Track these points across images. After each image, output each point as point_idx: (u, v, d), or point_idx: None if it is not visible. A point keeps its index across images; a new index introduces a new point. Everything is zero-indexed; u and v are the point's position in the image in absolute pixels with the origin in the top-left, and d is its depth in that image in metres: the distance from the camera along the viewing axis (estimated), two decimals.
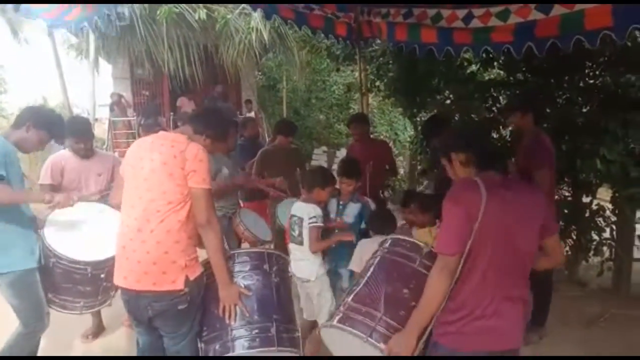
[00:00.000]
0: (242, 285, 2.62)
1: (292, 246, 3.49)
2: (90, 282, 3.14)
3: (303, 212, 3.40)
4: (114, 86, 13.70)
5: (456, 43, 4.28)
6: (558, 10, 3.39)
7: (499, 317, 2.04)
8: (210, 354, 2.54)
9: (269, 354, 2.53)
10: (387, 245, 2.61)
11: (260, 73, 16.09)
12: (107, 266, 3.10)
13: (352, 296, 2.43)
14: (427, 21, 4.38)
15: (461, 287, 2.06)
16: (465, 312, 2.05)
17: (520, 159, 3.93)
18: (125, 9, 2.97)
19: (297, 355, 2.65)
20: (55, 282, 3.13)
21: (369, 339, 2.19)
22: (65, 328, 3.72)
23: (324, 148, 13.11)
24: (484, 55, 4.85)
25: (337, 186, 3.65)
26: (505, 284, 2.06)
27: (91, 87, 5.88)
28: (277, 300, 2.68)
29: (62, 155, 3.86)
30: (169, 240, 2.42)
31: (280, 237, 5.02)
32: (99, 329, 4.16)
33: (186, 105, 13.41)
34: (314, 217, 3.35)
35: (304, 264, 3.39)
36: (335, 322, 2.33)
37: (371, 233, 3.43)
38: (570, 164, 4.56)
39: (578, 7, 3.25)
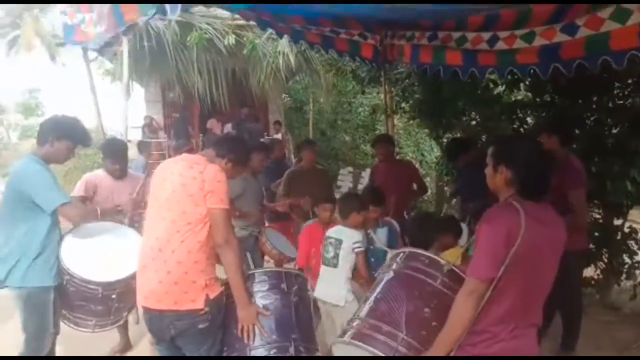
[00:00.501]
0: (261, 305, 2.66)
1: (323, 268, 3.47)
2: (102, 302, 3.20)
3: (343, 235, 3.39)
4: (146, 109, 14.11)
5: (481, 64, 4.30)
6: (583, 32, 3.39)
7: (518, 339, 2.03)
8: None
9: None
10: (401, 258, 2.51)
11: (287, 95, 16.32)
12: (118, 287, 3.19)
13: (367, 312, 2.38)
14: (452, 44, 4.42)
15: (488, 310, 2.02)
16: (489, 335, 2.03)
17: (552, 182, 3.90)
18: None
19: None
20: (68, 299, 3.20)
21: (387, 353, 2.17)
22: (92, 345, 3.79)
23: (350, 169, 13.13)
24: (509, 77, 4.85)
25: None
26: (530, 311, 2.06)
27: (124, 110, 6.10)
28: (296, 320, 2.71)
29: (97, 174, 4.02)
30: (189, 260, 2.47)
31: None
32: (126, 347, 4.22)
33: (215, 127, 13.71)
34: (359, 242, 3.36)
35: (334, 288, 3.36)
36: (353, 340, 2.28)
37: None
38: (600, 185, 4.49)
39: (604, 28, 3.25)
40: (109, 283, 3.15)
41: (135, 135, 13.45)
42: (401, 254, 2.54)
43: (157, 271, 2.48)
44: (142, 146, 8.74)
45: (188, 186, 2.49)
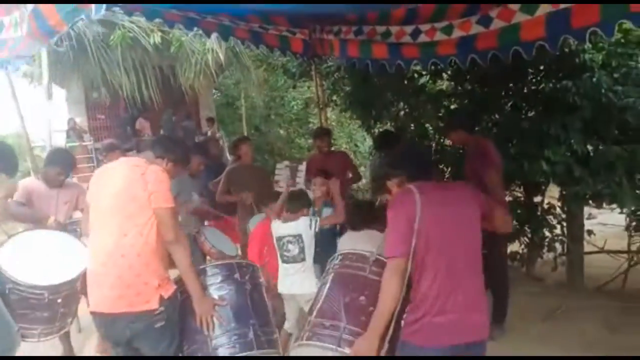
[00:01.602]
0: (216, 296, 2.72)
1: (287, 266, 3.49)
2: (47, 308, 3.13)
3: (298, 228, 3.44)
4: (69, 111, 13.45)
5: (405, 57, 4.50)
6: (497, 24, 3.64)
7: (459, 310, 2.18)
8: None
9: (251, 357, 2.66)
10: (337, 261, 2.78)
11: (217, 91, 16.11)
12: (64, 290, 3.14)
13: (314, 314, 2.58)
14: (377, 37, 4.57)
15: (417, 286, 2.21)
16: (425, 309, 2.18)
17: (468, 167, 4.20)
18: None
19: (278, 355, 2.79)
20: (11, 309, 3.06)
21: (338, 348, 2.33)
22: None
23: (287, 162, 13.08)
24: (432, 67, 5.08)
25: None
26: (459, 277, 2.21)
27: (46, 113, 5.80)
28: (252, 306, 2.81)
29: (31, 181, 3.94)
30: (140, 263, 2.47)
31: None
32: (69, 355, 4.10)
33: (144, 126, 13.31)
34: (311, 220, 3.44)
35: (305, 278, 3.42)
36: (304, 341, 2.47)
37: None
38: (519, 166, 4.80)
39: (515, 19, 3.50)
40: (55, 286, 3.08)
41: (59, 140, 12.84)
42: (336, 257, 2.82)
43: (108, 276, 2.46)
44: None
45: (130, 190, 2.47)
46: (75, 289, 3.26)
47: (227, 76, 15.36)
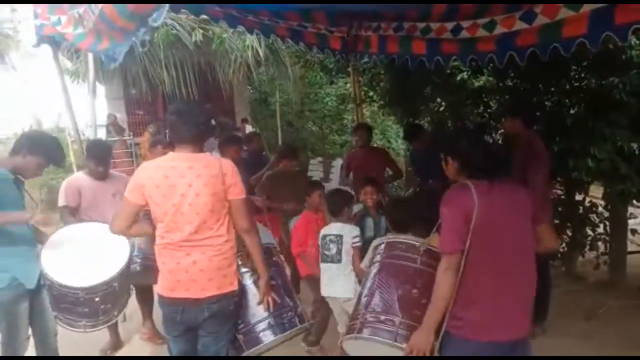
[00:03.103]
0: None
1: (326, 266, 3.56)
2: (86, 305, 3.23)
3: (344, 231, 3.51)
4: (108, 107, 13.80)
5: (444, 53, 4.50)
6: (540, 19, 3.59)
7: (504, 309, 2.20)
8: (253, 343, 2.80)
9: (301, 330, 2.95)
10: (382, 249, 2.75)
11: (250, 87, 16.26)
12: (100, 290, 3.21)
13: (365, 306, 2.58)
14: (417, 33, 4.57)
15: (466, 283, 2.22)
16: (473, 306, 2.21)
17: (516, 161, 4.13)
18: (147, 35, 3.01)
19: (308, 327, 3.07)
20: (56, 302, 3.23)
21: (395, 343, 2.37)
22: (83, 342, 3.79)
23: (320, 159, 13.25)
24: (473, 63, 5.05)
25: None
26: (509, 278, 2.21)
27: (89, 110, 6.00)
28: (291, 285, 3.14)
29: (76, 178, 4.02)
30: (226, 247, 2.63)
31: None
32: (116, 345, 4.26)
33: None
34: (357, 237, 3.50)
35: (341, 282, 3.48)
36: (361, 334, 2.49)
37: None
38: (563, 163, 4.74)
39: (559, 16, 3.45)
40: (90, 287, 3.17)
41: (100, 135, 13.21)
42: (381, 245, 2.79)
43: (196, 263, 2.57)
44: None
45: (210, 186, 2.56)
46: (114, 288, 3.31)
47: (262, 72, 15.50)
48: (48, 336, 3.29)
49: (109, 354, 4.20)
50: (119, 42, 3.44)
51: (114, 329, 4.16)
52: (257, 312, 2.83)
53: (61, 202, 3.90)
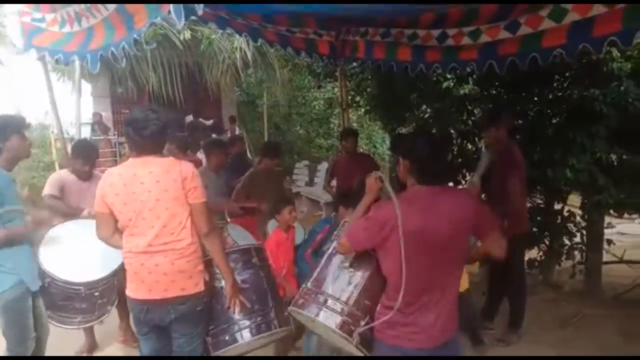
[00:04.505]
0: (239, 281, 2.88)
1: None
2: (85, 300, 3.26)
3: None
4: (94, 105, 13.68)
5: (428, 60, 4.59)
6: (523, 30, 3.68)
7: (425, 315, 2.19)
8: (221, 346, 2.78)
9: (275, 335, 2.90)
10: (341, 228, 2.77)
11: (238, 89, 16.25)
12: (101, 285, 3.25)
13: (310, 278, 2.62)
14: (404, 40, 4.64)
15: (391, 288, 2.23)
16: (395, 311, 2.19)
17: (495, 169, 4.22)
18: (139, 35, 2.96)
19: (291, 330, 3.01)
20: (52, 300, 3.23)
21: (316, 318, 2.40)
22: (57, 345, 3.73)
23: (306, 162, 13.26)
24: (457, 71, 5.13)
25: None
26: (433, 285, 2.20)
27: (75, 108, 5.97)
28: (269, 288, 3.01)
29: (62, 174, 3.99)
30: (189, 250, 2.63)
31: None
32: (92, 347, 4.23)
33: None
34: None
35: None
36: (292, 307, 2.55)
37: None
38: (542, 173, 4.82)
39: (542, 27, 3.54)
40: (91, 282, 3.21)
41: (85, 134, 13.09)
42: (343, 224, 2.80)
43: (158, 265, 2.59)
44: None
45: (170, 190, 2.57)
46: (112, 282, 3.38)
47: (250, 75, 15.50)
48: (42, 339, 3.30)
49: (85, 354, 4.16)
50: (115, 41, 3.39)
51: (90, 330, 4.14)
52: (226, 315, 2.82)
53: (47, 191, 3.87)
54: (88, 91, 13.74)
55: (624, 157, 4.71)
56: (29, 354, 3.16)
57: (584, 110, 4.71)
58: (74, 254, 3.29)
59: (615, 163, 4.75)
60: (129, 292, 2.70)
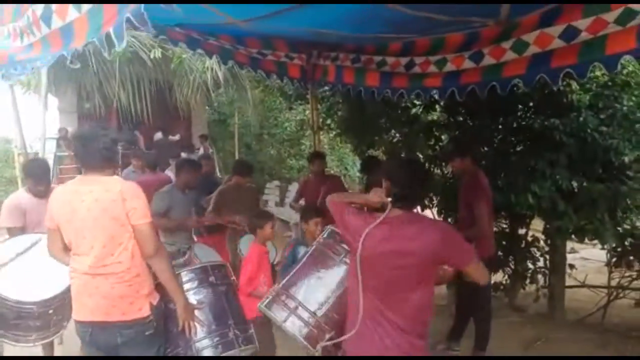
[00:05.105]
0: (195, 301, 2.82)
1: None
2: (39, 318, 3.15)
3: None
4: (60, 120, 13.42)
5: (394, 86, 4.71)
6: (487, 60, 3.81)
7: (361, 334, 2.25)
8: None
9: (237, 355, 2.82)
10: (324, 236, 2.85)
11: (210, 109, 16.19)
12: (54, 303, 3.14)
13: (282, 280, 2.72)
14: (373, 66, 4.73)
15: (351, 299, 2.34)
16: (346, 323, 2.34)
17: (462, 195, 4.33)
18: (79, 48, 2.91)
19: (256, 349, 2.95)
20: (4, 320, 3.12)
21: (284, 324, 2.49)
22: None
23: (277, 182, 13.26)
24: (426, 98, 5.25)
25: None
26: (376, 307, 2.25)
27: (41, 123, 5.86)
28: (228, 306, 2.95)
29: (18, 197, 3.90)
30: (130, 274, 2.53)
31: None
32: None
33: (139, 139, 13.39)
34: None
35: None
36: (266, 306, 2.63)
37: None
38: (506, 198, 4.93)
39: (503, 59, 3.68)
40: (44, 301, 3.10)
41: (50, 148, 12.79)
42: (327, 231, 2.87)
43: (99, 287, 2.51)
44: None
45: (109, 210, 2.50)
46: (66, 300, 3.20)
47: (221, 94, 15.48)
48: None
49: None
50: (51, 52, 3.33)
51: (49, 350, 3.99)
52: (183, 337, 2.75)
53: (7, 223, 3.78)
54: (56, 106, 13.49)
55: (584, 184, 4.86)
56: None
57: (545, 139, 4.87)
58: (23, 272, 3.19)
59: (575, 190, 4.88)
60: (73, 314, 2.64)
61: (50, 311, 3.14)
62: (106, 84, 10.86)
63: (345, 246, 2.65)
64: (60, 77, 10.33)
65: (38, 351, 3.81)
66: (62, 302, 3.17)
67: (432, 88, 4.40)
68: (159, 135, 13.23)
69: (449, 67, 4.08)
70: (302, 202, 6.10)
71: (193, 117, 14.55)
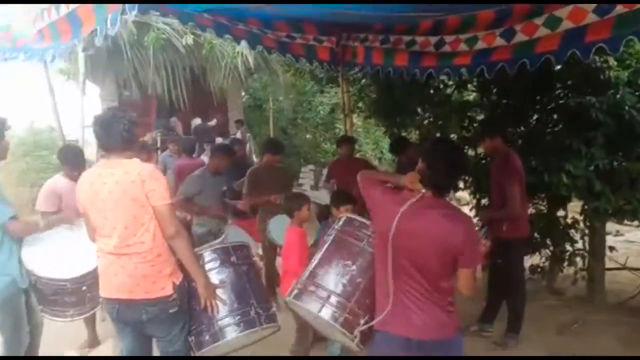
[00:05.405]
0: (217, 280, 2.89)
1: None
2: (73, 294, 3.31)
3: None
4: (102, 108, 13.82)
5: (422, 66, 4.62)
6: (519, 37, 3.69)
7: (395, 314, 2.29)
8: (203, 345, 2.81)
9: (258, 333, 2.90)
10: (340, 224, 2.86)
11: (245, 94, 16.32)
12: (87, 280, 3.28)
13: (308, 273, 2.73)
14: (402, 46, 4.67)
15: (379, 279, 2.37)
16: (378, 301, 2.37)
17: (493, 176, 4.26)
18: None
19: (277, 327, 3.01)
20: (43, 295, 3.32)
21: (319, 314, 2.50)
22: (60, 341, 3.87)
23: (311, 166, 13.29)
24: (457, 79, 5.14)
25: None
26: (405, 284, 2.27)
27: (79, 110, 6.03)
28: (250, 286, 2.99)
29: (57, 181, 4.02)
30: (152, 254, 2.62)
31: (270, 254, 5.21)
32: (93, 343, 4.27)
33: (177, 125, 13.67)
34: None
35: None
36: (295, 298, 2.65)
37: None
38: (539, 179, 4.81)
39: (536, 34, 3.56)
40: (76, 278, 3.25)
41: (91, 135, 13.15)
42: (342, 219, 2.91)
43: (124, 267, 2.61)
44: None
45: (129, 192, 2.56)
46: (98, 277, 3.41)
47: (256, 79, 15.56)
48: (36, 333, 3.42)
49: (86, 351, 4.21)
50: (62, 42, 3.41)
51: (92, 327, 4.22)
52: (206, 315, 2.82)
53: (44, 207, 3.90)
54: (97, 94, 13.88)
55: (623, 164, 4.68)
56: (24, 346, 3.28)
57: (581, 118, 4.71)
58: (56, 250, 3.33)
59: (613, 170, 4.71)
60: (100, 291, 2.75)
61: (84, 288, 3.28)
62: (141, 71, 11.07)
63: (366, 231, 2.66)
64: (97, 64, 10.58)
65: (80, 326, 3.99)
66: (94, 280, 3.27)
67: (461, 66, 4.29)
68: (197, 120, 13.45)
69: (480, 45, 3.97)
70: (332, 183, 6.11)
71: (229, 103, 14.70)
